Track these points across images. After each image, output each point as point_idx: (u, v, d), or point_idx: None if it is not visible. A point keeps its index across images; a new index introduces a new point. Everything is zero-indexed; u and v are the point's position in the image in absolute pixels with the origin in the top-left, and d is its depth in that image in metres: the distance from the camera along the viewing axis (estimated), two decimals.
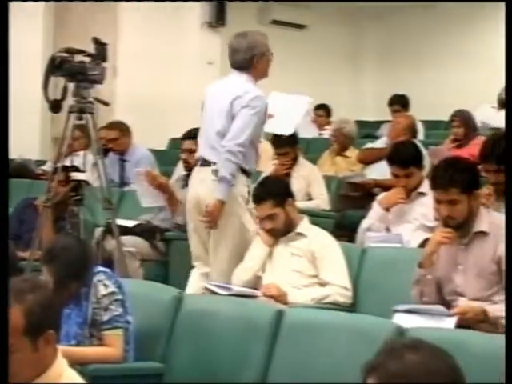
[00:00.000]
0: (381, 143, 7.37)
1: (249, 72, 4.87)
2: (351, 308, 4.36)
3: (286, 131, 5.96)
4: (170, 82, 9.80)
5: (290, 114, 5.77)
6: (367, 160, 7.18)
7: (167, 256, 5.73)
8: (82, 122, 5.06)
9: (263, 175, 6.22)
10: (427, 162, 6.24)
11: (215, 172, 4.71)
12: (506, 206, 3.78)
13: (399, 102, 9.38)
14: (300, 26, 12.01)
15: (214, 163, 4.74)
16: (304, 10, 11.90)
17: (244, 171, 4.77)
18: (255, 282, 4.50)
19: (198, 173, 4.91)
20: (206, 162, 4.83)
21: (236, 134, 4.70)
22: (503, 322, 3.43)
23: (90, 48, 5.07)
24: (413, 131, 7.28)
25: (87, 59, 5.02)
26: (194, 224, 4.91)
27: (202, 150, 4.90)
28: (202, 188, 4.81)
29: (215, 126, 4.80)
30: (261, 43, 4.92)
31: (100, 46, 5.06)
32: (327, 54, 12.36)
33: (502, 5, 11.94)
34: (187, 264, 5.67)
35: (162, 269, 5.69)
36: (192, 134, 6.03)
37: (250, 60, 4.86)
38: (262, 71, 4.94)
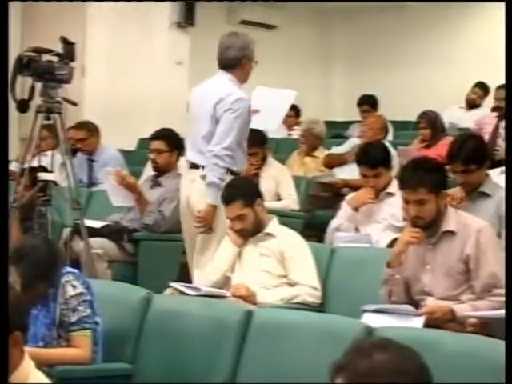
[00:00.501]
0: (349, 144, 7.40)
1: (235, 72, 4.97)
2: (320, 308, 4.36)
3: (272, 126, 6.00)
4: (139, 82, 9.76)
5: (276, 108, 5.82)
6: (331, 165, 7.23)
7: (136, 257, 5.70)
8: (50, 121, 5.02)
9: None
10: (396, 163, 6.27)
11: (203, 177, 4.80)
12: (506, 205, 3.79)
13: (368, 103, 9.42)
14: (269, 27, 12.01)
15: (202, 167, 4.85)
16: (273, 10, 11.90)
17: (233, 173, 4.84)
18: (224, 283, 4.50)
19: (188, 174, 5.02)
20: (194, 165, 4.94)
21: (221, 138, 4.79)
22: (470, 321, 3.46)
23: (58, 47, 5.03)
24: (386, 131, 7.38)
25: (55, 59, 4.98)
26: (186, 225, 5.04)
27: (190, 154, 5.01)
28: (192, 189, 4.91)
29: (201, 131, 4.89)
30: (251, 47, 5.06)
31: (68, 45, 5.03)
32: (297, 54, 12.38)
33: (470, 4, 12.06)
34: (156, 264, 5.67)
35: (130, 269, 5.66)
36: (160, 135, 6.03)
37: (240, 59, 4.97)
38: (246, 74, 5.05)
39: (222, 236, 4.73)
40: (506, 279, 3.45)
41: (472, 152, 4.58)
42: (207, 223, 4.80)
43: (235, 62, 4.96)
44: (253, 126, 5.24)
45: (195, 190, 4.89)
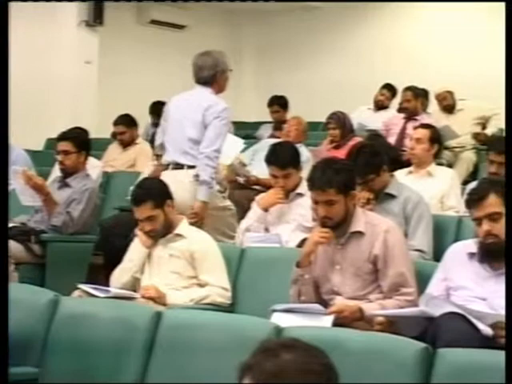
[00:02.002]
0: (264, 145, 7.40)
1: (212, 86, 5.47)
2: (230, 308, 4.37)
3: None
4: (47, 81, 9.62)
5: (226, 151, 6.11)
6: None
7: (43, 258, 5.61)
8: None
9: (142, 176, 6.18)
10: (310, 165, 6.31)
11: (196, 177, 5.19)
12: (506, 205, 3.83)
13: (278, 103, 9.46)
14: (179, 27, 11.97)
15: (188, 166, 5.26)
16: (183, 10, 11.86)
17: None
18: (134, 284, 4.47)
19: (173, 174, 5.26)
20: (178, 166, 5.32)
21: (211, 141, 5.25)
22: (378, 319, 3.50)
23: None
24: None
25: None
26: None
27: (173, 155, 5.37)
28: (178, 188, 5.02)
29: (187, 134, 5.32)
30: (222, 61, 5.52)
31: None
32: None
33: (377, 5, 12.24)
34: (64, 266, 5.58)
35: (37, 271, 5.57)
36: (68, 135, 5.94)
37: (213, 76, 5.46)
38: (222, 86, 5.57)
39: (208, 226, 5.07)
40: (506, 278, 3.43)
41: (366, 164, 4.66)
42: (200, 218, 5.10)
43: (210, 80, 5.46)
44: None
45: (180, 189, 5.06)
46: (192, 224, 4.82)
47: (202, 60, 5.50)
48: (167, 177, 5.25)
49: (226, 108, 5.40)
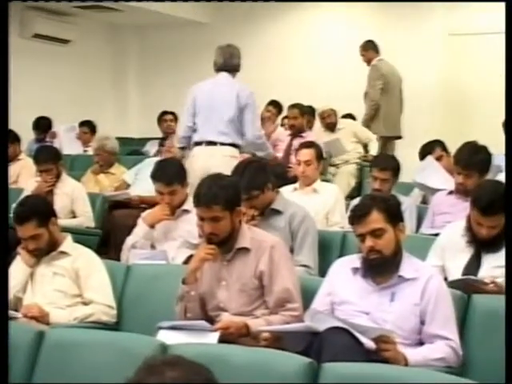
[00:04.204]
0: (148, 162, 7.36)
1: (235, 75, 6.41)
2: (115, 326, 4.32)
3: None
4: None
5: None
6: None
7: None
8: None
9: (25, 193, 6.07)
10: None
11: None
12: (505, 207, 3.83)
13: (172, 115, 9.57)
14: (63, 41, 11.80)
15: (220, 143, 6.22)
16: (67, 24, 11.72)
17: (237, 146, 6.29)
18: (16, 304, 4.36)
19: (206, 150, 6.23)
20: (212, 143, 6.23)
21: (253, 125, 6.31)
22: (264, 335, 3.52)
23: None
24: None
25: None
26: None
27: (207, 134, 6.25)
28: (211, 163, 5.96)
29: (224, 115, 6.24)
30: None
31: None
32: (91, 69, 12.26)
33: (260, 21, 12.28)
34: None
35: None
36: None
37: (238, 65, 6.44)
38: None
39: None
40: (506, 278, 3.40)
41: (251, 180, 4.69)
42: None
43: (236, 67, 6.42)
44: None
45: (215, 164, 5.83)
46: None
47: (231, 49, 6.43)
48: (201, 151, 6.24)
49: (252, 92, 6.32)
